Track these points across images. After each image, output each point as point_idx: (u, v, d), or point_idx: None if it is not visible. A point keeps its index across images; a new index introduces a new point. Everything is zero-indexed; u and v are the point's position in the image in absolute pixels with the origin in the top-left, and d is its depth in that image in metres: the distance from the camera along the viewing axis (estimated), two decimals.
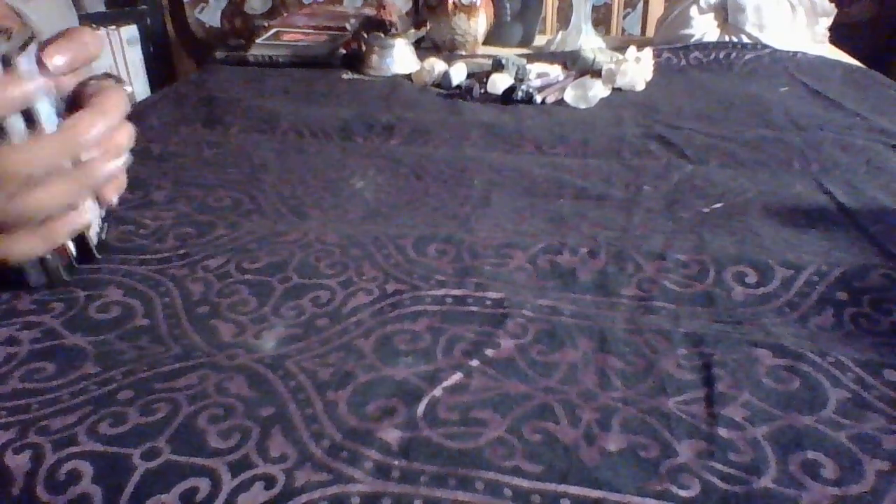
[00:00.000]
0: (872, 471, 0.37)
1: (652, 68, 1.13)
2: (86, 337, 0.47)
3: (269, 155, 0.80)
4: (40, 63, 0.32)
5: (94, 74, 0.39)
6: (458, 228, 0.62)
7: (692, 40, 1.32)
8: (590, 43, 1.32)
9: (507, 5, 1.40)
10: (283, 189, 0.70)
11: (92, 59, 0.37)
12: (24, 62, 0.30)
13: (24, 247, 0.40)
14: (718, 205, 0.67)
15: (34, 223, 0.36)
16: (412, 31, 1.29)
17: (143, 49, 1.79)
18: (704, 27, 1.34)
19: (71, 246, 0.37)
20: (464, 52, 1.32)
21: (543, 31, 1.56)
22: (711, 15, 1.35)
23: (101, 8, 1.85)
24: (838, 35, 1.42)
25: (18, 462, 0.36)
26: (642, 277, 0.55)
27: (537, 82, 1.07)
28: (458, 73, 1.10)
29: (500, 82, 1.05)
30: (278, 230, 0.61)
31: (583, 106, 1.00)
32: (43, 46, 0.33)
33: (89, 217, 0.41)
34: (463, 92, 1.06)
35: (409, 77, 1.16)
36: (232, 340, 0.47)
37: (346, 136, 0.87)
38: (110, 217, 0.53)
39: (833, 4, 1.33)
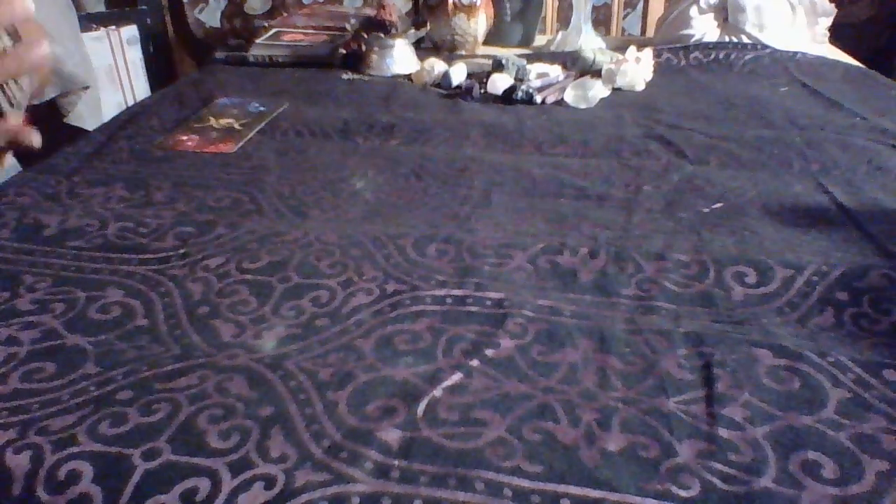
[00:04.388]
0: (872, 471, 0.37)
1: (652, 68, 1.13)
2: (86, 337, 0.47)
3: (269, 155, 0.80)
4: None
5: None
6: (458, 228, 0.62)
7: (692, 40, 1.32)
8: (590, 43, 1.32)
9: (507, 5, 1.40)
10: (283, 189, 0.70)
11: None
12: None
13: None
14: (718, 205, 0.67)
15: None
16: (412, 31, 1.29)
17: (143, 49, 1.79)
18: (704, 27, 1.34)
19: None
20: (464, 52, 1.32)
21: (543, 31, 1.56)
22: (711, 15, 1.35)
23: (101, 8, 1.85)
24: (838, 35, 1.42)
25: (18, 462, 0.36)
26: (642, 277, 0.55)
27: (537, 82, 1.07)
28: (458, 73, 1.10)
29: (500, 82, 1.05)
30: (278, 230, 0.61)
31: (583, 106, 1.00)
32: None
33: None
34: (463, 92, 1.06)
35: (409, 77, 1.16)
36: (232, 340, 0.47)
37: (346, 136, 0.87)
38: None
39: (833, 4, 1.33)
